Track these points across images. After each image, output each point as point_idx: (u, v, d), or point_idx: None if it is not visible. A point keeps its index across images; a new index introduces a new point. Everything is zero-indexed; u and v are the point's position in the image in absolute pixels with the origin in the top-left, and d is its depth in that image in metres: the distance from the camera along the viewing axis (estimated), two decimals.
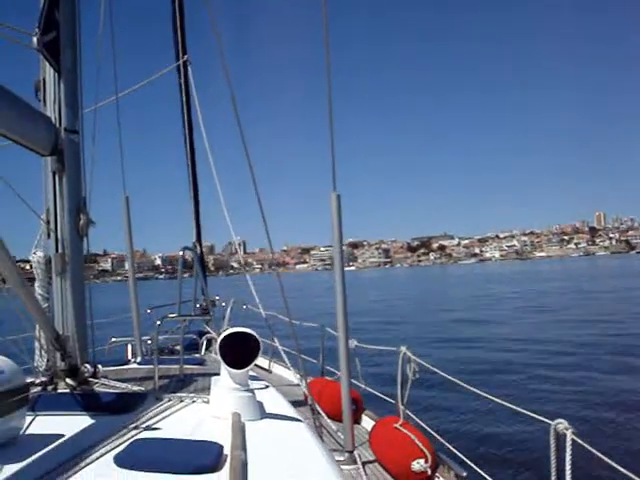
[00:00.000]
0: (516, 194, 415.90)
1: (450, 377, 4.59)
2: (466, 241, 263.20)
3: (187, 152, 7.94)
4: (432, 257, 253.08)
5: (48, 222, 3.43)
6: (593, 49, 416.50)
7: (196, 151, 7.99)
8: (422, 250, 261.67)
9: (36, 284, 3.43)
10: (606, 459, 2.63)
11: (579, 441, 2.71)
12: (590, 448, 2.69)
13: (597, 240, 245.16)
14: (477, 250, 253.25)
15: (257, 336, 2.48)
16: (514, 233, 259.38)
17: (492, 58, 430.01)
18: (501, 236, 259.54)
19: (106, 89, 4.97)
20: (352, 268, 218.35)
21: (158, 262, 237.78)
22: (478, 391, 4.24)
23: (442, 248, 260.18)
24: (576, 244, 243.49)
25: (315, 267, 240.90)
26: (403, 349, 4.74)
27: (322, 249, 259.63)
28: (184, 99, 7.89)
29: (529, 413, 3.41)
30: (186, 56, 7.42)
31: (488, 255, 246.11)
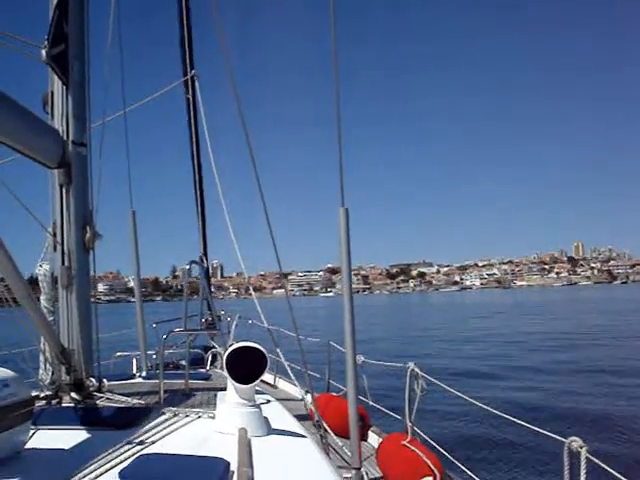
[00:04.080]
0: (493, 223, 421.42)
1: (459, 393, 4.51)
2: (445, 268, 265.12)
3: (194, 167, 7.90)
4: (412, 284, 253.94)
5: (54, 235, 3.40)
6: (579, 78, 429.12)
7: (203, 167, 7.87)
8: (401, 277, 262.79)
9: (42, 297, 3.41)
10: (621, 477, 2.62)
11: (593, 459, 2.69)
12: (605, 466, 2.67)
13: (579, 270, 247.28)
14: (457, 278, 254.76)
15: (264, 351, 2.44)
16: (492, 262, 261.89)
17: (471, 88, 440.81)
18: (480, 264, 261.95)
19: (114, 104, 4.94)
20: (330, 294, 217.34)
21: (131, 284, 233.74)
22: (489, 408, 4.17)
23: (422, 275, 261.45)
24: (557, 273, 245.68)
25: (293, 292, 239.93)
26: (411, 365, 4.68)
27: (300, 274, 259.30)
28: (192, 114, 7.81)
29: (542, 431, 3.35)
30: (194, 71, 7.38)
31: (468, 283, 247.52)
